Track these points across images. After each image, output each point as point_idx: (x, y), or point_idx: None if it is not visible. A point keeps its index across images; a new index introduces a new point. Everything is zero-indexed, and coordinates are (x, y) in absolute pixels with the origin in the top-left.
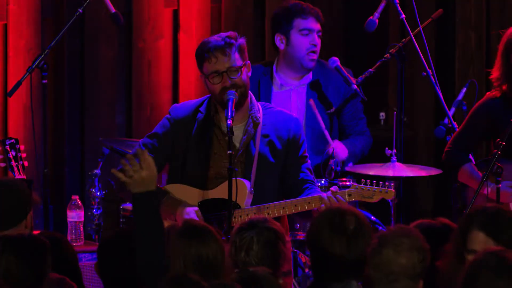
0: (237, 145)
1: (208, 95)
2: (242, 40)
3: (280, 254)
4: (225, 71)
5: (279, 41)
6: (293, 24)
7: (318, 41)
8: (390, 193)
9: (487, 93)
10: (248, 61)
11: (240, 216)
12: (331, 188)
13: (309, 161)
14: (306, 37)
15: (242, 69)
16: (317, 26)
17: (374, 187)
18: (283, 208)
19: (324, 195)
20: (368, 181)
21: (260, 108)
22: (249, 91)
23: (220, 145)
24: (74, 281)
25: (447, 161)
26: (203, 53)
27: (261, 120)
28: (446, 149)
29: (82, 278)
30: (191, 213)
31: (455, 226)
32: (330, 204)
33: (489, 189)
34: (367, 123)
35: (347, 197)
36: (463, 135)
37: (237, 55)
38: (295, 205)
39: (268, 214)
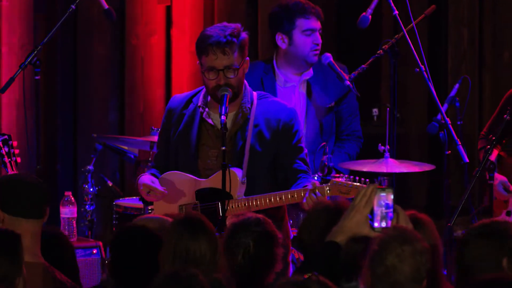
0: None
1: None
2: (244, 36)
3: (275, 257)
4: (222, 70)
5: (281, 41)
6: (296, 24)
7: (320, 40)
8: None
9: None
10: (247, 58)
11: (232, 207)
12: (312, 182)
13: (305, 151)
14: (309, 37)
15: (239, 69)
16: (318, 24)
17: (350, 183)
18: (270, 200)
19: (306, 191)
20: (351, 177)
21: (255, 98)
22: (245, 81)
23: (208, 136)
24: (71, 278)
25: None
26: (203, 46)
27: (253, 110)
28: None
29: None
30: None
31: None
32: (310, 201)
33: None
34: (360, 120)
35: (326, 192)
36: (492, 121)
37: (236, 54)
38: (280, 198)
39: (257, 205)
